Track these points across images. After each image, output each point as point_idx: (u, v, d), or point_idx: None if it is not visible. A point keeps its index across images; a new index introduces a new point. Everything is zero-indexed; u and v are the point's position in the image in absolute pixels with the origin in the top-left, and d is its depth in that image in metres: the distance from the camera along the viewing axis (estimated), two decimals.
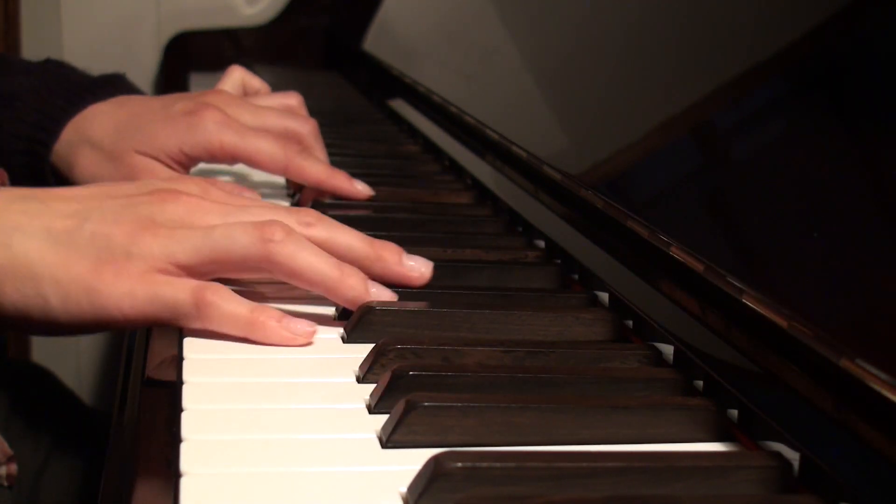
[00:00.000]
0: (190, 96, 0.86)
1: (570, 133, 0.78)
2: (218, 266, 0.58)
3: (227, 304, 0.56)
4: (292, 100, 0.99)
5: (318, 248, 0.59)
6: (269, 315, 0.57)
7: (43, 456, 0.88)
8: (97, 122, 0.85)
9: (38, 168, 0.85)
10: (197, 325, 0.57)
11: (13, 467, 0.76)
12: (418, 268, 0.64)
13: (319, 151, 0.90)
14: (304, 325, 0.57)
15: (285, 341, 0.57)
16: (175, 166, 0.84)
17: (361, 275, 0.60)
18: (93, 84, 0.89)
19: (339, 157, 1.05)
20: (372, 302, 0.60)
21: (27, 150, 0.85)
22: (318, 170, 0.84)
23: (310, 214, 0.62)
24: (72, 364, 1.81)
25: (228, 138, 0.82)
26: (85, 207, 0.58)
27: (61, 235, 0.57)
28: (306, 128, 0.89)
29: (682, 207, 0.60)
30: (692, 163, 0.62)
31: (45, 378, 1.07)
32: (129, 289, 0.56)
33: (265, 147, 0.82)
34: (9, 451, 0.76)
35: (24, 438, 0.87)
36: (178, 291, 0.56)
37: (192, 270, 0.58)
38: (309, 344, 0.58)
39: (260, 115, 0.87)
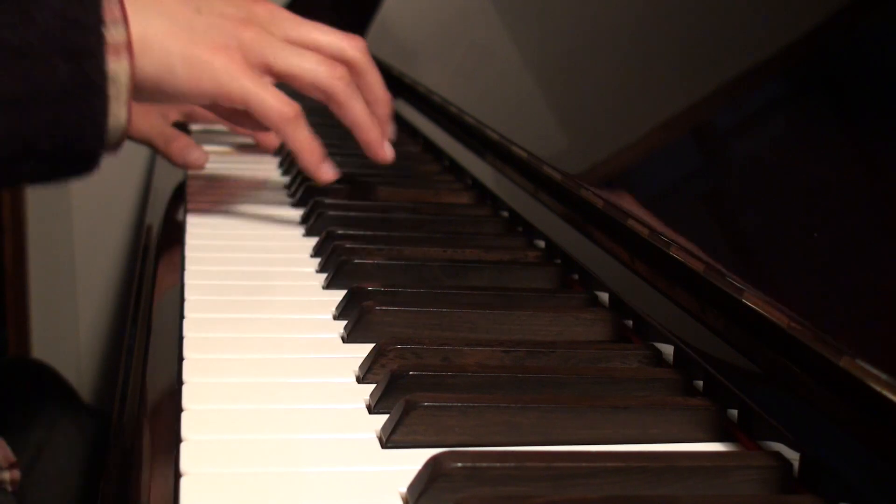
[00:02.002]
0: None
1: (570, 133, 0.78)
2: (294, 79, 0.76)
3: (303, 132, 0.77)
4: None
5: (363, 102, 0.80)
6: (325, 159, 0.79)
7: (40, 452, 0.88)
8: None
9: None
10: (276, 135, 0.77)
11: (16, 473, 0.76)
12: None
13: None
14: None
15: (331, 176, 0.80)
16: None
17: (380, 130, 0.82)
18: None
19: (339, 156, 1.05)
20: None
21: None
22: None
23: (358, 43, 0.82)
24: (72, 361, 1.82)
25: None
26: (197, 1, 0.73)
27: (182, 21, 0.71)
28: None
29: (682, 207, 0.60)
30: (692, 163, 0.62)
31: (43, 374, 1.07)
32: (240, 75, 0.72)
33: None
34: (11, 457, 0.76)
35: (21, 434, 0.87)
36: (270, 97, 0.74)
37: (274, 74, 0.75)
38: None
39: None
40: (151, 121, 1.01)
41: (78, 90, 0.61)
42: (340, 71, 0.78)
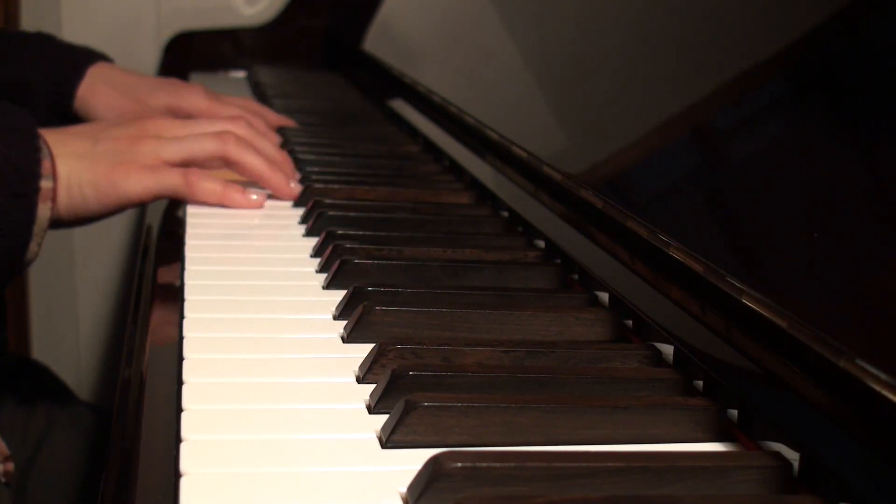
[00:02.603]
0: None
1: (570, 133, 0.78)
2: (192, 162, 0.86)
3: (207, 182, 0.86)
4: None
5: (256, 151, 0.89)
6: (235, 189, 0.87)
7: (38, 450, 0.88)
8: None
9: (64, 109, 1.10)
10: (189, 199, 0.85)
11: (10, 465, 0.76)
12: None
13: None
14: (258, 194, 0.87)
15: (248, 204, 0.87)
16: None
17: (285, 174, 0.91)
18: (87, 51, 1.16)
19: (339, 156, 1.05)
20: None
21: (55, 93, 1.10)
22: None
23: (230, 137, 0.88)
24: (72, 361, 1.81)
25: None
26: (96, 134, 0.85)
27: (84, 154, 0.82)
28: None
29: (682, 207, 0.60)
30: (692, 163, 0.62)
31: (41, 374, 1.07)
32: (139, 178, 0.83)
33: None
34: (6, 450, 0.76)
35: (18, 433, 0.87)
36: (173, 176, 0.84)
37: (174, 165, 0.85)
38: (260, 207, 0.88)
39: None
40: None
41: (9, 225, 0.75)
42: (226, 137, 0.88)
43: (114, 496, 0.49)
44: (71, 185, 0.80)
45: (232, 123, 0.92)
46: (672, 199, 0.62)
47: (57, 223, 0.81)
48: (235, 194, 0.86)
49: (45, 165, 0.77)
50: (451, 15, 1.20)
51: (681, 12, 0.70)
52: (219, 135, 0.88)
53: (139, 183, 0.83)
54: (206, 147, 0.87)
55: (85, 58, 1.11)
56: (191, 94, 1.12)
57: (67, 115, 1.10)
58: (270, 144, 0.93)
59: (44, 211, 0.77)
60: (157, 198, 0.85)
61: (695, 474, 0.44)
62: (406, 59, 1.27)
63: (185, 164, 0.86)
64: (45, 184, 0.77)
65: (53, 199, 0.78)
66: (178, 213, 0.86)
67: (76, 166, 0.81)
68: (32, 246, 0.77)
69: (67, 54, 1.12)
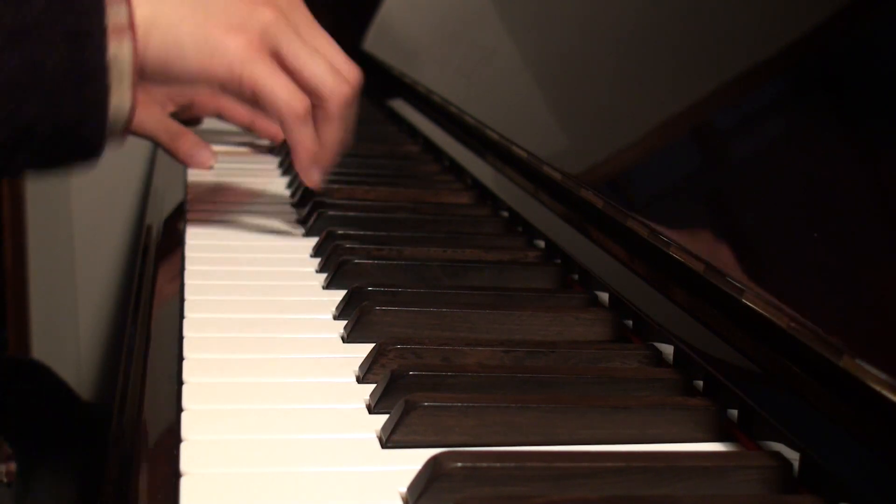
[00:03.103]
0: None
1: (570, 133, 0.78)
2: (295, 72, 0.72)
3: (291, 100, 0.72)
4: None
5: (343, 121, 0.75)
6: (303, 102, 0.72)
7: (38, 451, 0.88)
8: None
9: None
10: (271, 112, 0.71)
11: (12, 465, 0.76)
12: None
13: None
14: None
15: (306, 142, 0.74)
16: None
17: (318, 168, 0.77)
18: None
19: (338, 156, 1.05)
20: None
21: None
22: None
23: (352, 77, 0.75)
24: (72, 361, 1.82)
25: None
26: None
27: (196, 1, 0.68)
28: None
29: (682, 207, 0.60)
30: (692, 163, 0.62)
31: (41, 374, 1.07)
32: (250, 58, 0.69)
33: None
34: (7, 450, 0.76)
35: (18, 433, 0.87)
36: (283, 89, 0.71)
37: (282, 64, 0.71)
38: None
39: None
40: (154, 114, 1.01)
41: (76, 73, 0.59)
42: (345, 88, 0.73)
43: (114, 496, 0.49)
44: (164, 27, 0.66)
45: (349, 86, 0.74)
46: (672, 198, 0.62)
47: (146, 71, 0.66)
48: (314, 170, 0.75)
49: None
50: (451, 15, 1.20)
51: (681, 12, 0.70)
52: (341, 81, 0.73)
53: (251, 66, 0.69)
54: (323, 79, 0.72)
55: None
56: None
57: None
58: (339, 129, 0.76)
59: (118, 48, 0.60)
60: (255, 94, 0.70)
61: (695, 474, 0.44)
62: (406, 59, 1.27)
63: (289, 71, 0.72)
64: (115, 15, 0.60)
65: (133, 34, 0.62)
66: (178, 213, 0.86)
67: (179, 11, 0.67)
68: (116, 92, 0.61)
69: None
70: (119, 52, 0.61)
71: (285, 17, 0.72)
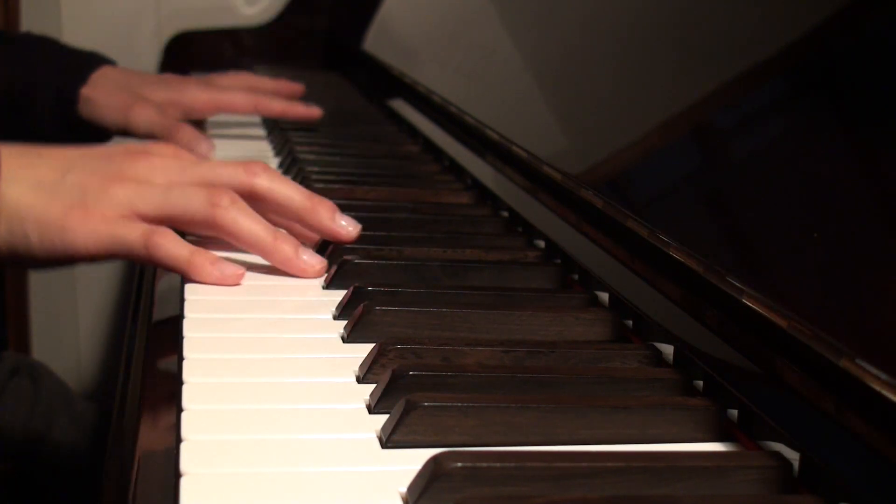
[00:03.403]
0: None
1: (570, 133, 0.78)
2: (171, 221, 0.68)
3: (171, 245, 0.66)
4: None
5: (257, 215, 0.68)
6: (205, 257, 0.66)
7: (37, 451, 0.88)
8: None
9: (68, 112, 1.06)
10: (147, 262, 0.67)
11: (7, 465, 0.76)
12: (347, 226, 0.72)
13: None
14: (233, 269, 0.66)
15: (216, 280, 0.66)
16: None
17: (294, 241, 0.69)
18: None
19: (339, 156, 1.05)
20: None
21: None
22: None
23: (258, 166, 0.71)
24: (72, 361, 1.81)
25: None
26: (71, 162, 0.69)
27: (46, 184, 0.67)
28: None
29: (682, 207, 0.60)
30: (692, 163, 0.62)
31: (41, 373, 1.07)
32: (93, 229, 0.66)
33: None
34: (6, 449, 0.76)
35: (18, 433, 0.87)
36: (132, 232, 0.66)
37: (149, 220, 0.67)
38: (237, 284, 0.67)
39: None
40: (148, 114, 1.02)
41: None
42: (219, 195, 0.68)
43: (114, 496, 0.49)
44: (13, 217, 0.66)
45: (244, 169, 0.71)
46: (672, 198, 0.62)
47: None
48: (204, 265, 0.66)
49: None
50: (451, 15, 1.20)
51: (681, 12, 0.70)
52: (212, 192, 0.68)
53: (93, 234, 0.66)
54: (190, 204, 0.67)
55: (88, 62, 1.11)
56: (189, 88, 1.11)
57: (73, 119, 1.09)
58: (296, 189, 0.71)
59: None
60: (111, 256, 0.67)
61: (695, 474, 0.44)
62: (406, 59, 1.27)
63: (163, 221, 0.68)
64: None
65: None
66: None
67: (27, 198, 0.66)
68: None
69: (71, 58, 1.11)
70: None
71: (147, 179, 0.69)
